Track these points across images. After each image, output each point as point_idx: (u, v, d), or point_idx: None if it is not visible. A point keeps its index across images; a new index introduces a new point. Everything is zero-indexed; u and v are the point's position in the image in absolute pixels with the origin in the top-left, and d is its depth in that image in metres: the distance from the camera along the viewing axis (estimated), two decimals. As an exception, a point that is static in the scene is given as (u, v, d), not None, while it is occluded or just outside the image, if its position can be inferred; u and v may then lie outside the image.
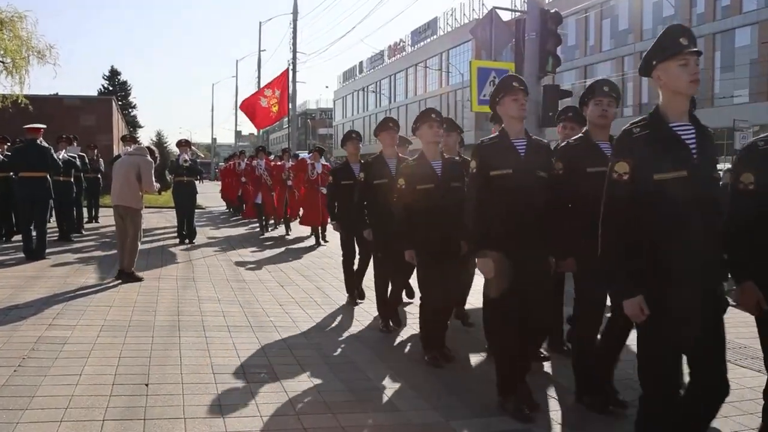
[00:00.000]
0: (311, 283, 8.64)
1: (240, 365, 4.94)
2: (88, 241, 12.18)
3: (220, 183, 26.30)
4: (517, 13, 12.76)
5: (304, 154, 19.83)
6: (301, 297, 7.68)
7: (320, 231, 13.04)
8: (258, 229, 15.18)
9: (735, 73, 35.52)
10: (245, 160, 18.28)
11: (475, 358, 5.41)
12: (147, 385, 4.40)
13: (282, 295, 7.78)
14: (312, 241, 13.31)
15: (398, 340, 5.95)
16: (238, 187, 18.41)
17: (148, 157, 8.55)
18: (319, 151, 13.45)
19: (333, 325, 6.38)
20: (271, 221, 15.72)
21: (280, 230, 15.23)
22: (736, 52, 36.72)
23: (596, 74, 46.37)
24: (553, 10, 10.79)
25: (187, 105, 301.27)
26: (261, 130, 55.39)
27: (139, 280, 8.19)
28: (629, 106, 43.75)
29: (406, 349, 5.65)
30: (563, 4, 37.87)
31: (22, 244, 9.68)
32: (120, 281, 8.07)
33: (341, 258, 7.57)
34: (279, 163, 15.56)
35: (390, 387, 4.63)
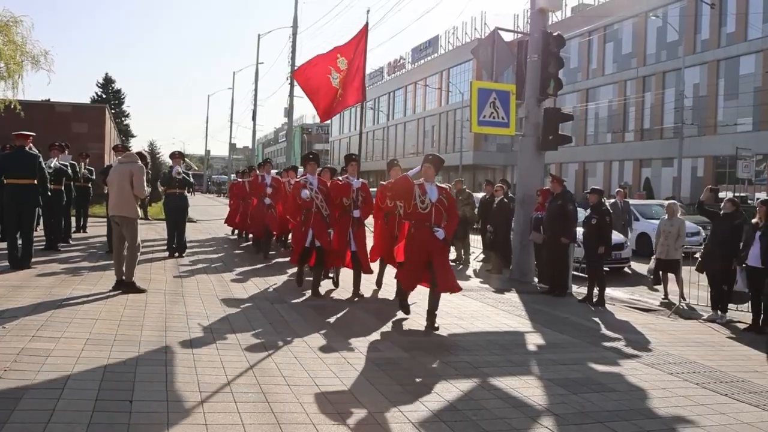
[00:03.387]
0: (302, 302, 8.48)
1: (227, 384, 4.82)
2: (75, 251, 11.98)
3: (228, 201, 21.16)
4: (520, 35, 12.75)
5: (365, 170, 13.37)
6: (292, 318, 7.51)
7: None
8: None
9: (739, 101, 35.65)
10: (271, 173, 13.56)
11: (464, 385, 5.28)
12: (131, 402, 4.30)
13: (272, 313, 7.64)
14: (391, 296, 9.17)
15: (391, 366, 5.80)
16: (261, 212, 13.07)
17: (139, 163, 8.48)
18: (434, 162, 7.53)
19: (324, 346, 6.24)
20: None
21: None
22: (741, 79, 36.79)
23: (598, 97, 46.60)
24: (555, 33, 10.79)
25: (181, 116, 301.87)
26: (258, 143, 55.06)
27: (141, 291, 8.10)
28: (631, 131, 43.87)
29: (398, 375, 5.52)
30: (566, 27, 38.14)
31: (6, 252, 9.46)
32: (120, 292, 7.97)
33: None
34: (340, 180, 9.17)
35: (382, 412, 4.51)
